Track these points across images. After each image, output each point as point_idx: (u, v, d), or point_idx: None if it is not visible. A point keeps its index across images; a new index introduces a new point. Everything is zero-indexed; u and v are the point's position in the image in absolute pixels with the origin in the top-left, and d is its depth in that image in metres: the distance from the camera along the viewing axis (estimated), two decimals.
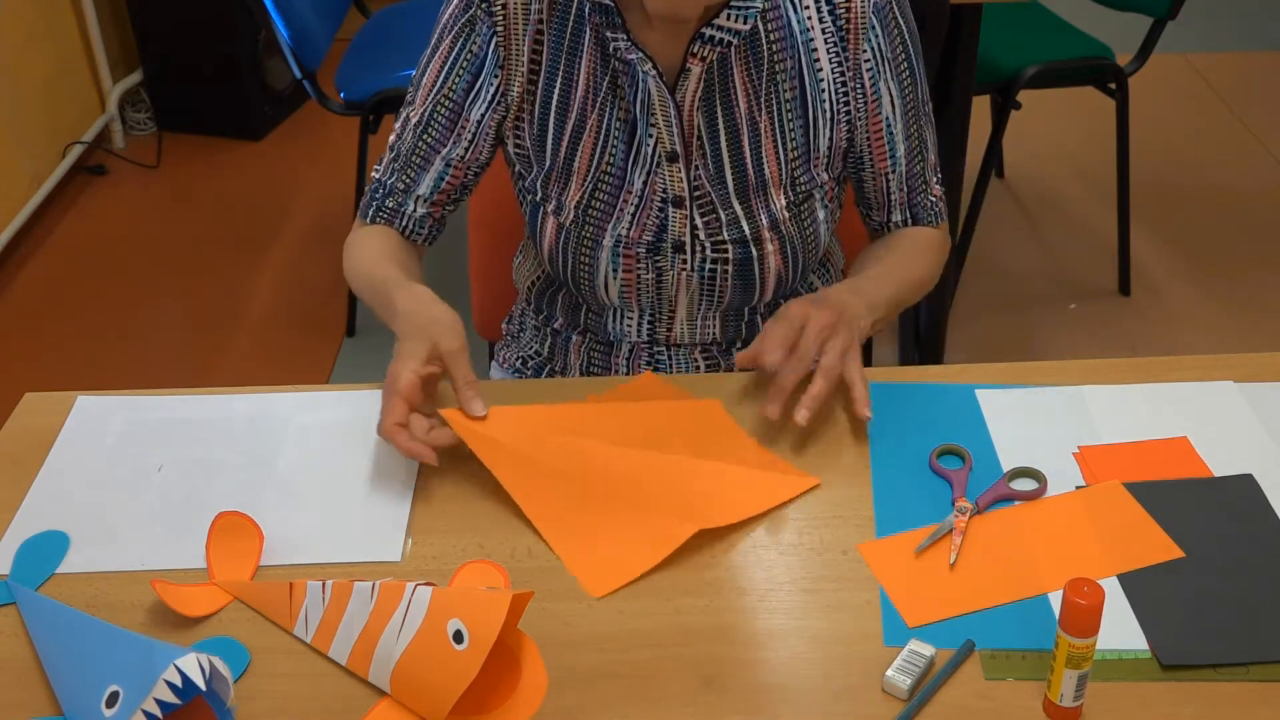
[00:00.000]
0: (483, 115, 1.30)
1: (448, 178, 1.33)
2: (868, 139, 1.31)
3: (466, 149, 1.32)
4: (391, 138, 1.35)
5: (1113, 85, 2.73)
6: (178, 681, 0.86)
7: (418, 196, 1.34)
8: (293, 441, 1.21)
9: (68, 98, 3.40)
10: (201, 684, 0.86)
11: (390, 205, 1.35)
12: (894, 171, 1.33)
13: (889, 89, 1.29)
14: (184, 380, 2.70)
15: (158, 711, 0.85)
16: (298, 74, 2.60)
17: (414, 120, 1.32)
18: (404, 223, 1.36)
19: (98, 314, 2.96)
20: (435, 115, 1.31)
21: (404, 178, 1.34)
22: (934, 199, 1.38)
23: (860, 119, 1.30)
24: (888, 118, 1.30)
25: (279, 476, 1.17)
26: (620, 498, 1.11)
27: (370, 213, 1.37)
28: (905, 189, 1.35)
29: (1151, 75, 3.80)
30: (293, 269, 3.11)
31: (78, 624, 0.96)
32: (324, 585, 1.00)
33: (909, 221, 1.37)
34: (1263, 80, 3.99)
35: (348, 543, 1.10)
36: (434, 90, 1.30)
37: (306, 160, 3.59)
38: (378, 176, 1.37)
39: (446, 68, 1.30)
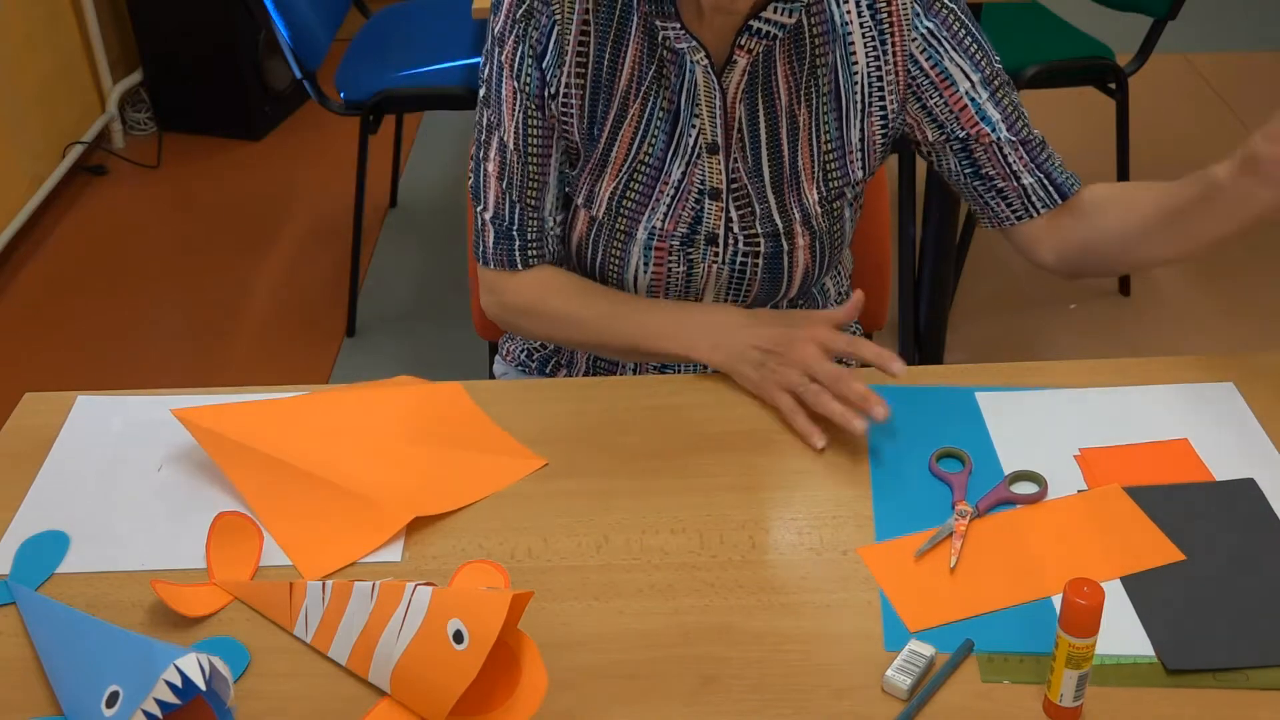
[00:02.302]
0: None
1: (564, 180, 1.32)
2: (956, 120, 1.29)
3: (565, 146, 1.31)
4: (490, 166, 1.30)
5: (1113, 85, 2.73)
6: (178, 681, 0.86)
7: (550, 212, 1.32)
8: None
9: (68, 98, 3.40)
10: (201, 684, 0.86)
11: (534, 239, 1.32)
12: (999, 137, 1.29)
13: (958, 66, 1.27)
14: (184, 380, 2.70)
15: (158, 711, 0.85)
16: (298, 74, 2.60)
17: (510, 142, 1.28)
18: (552, 246, 1.33)
19: (98, 314, 2.96)
20: (528, 124, 1.28)
21: (530, 199, 1.31)
22: (1059, 160, 1.32)
23: (938, 105, 1.28)
24: (967, 92, 1.28)
25: None
26: (342, 487, 1.12)
27: (521, 259, 1.32)
28: (1023, 153, 1.30)
29: (1151, 75, 3.81)
30: (293, 269, 3.11)
31: (78, 624, 0.96)
32: (324, 585, 1.00)
33: (1043, 184, 1.31)
34: (1263, 80, 3.99)
35: None
36: (516, 100, 1.27)
37: (306, 160, 3.59)
38: (496, 212, 1.31)
39: (517, 69, 1.26)
